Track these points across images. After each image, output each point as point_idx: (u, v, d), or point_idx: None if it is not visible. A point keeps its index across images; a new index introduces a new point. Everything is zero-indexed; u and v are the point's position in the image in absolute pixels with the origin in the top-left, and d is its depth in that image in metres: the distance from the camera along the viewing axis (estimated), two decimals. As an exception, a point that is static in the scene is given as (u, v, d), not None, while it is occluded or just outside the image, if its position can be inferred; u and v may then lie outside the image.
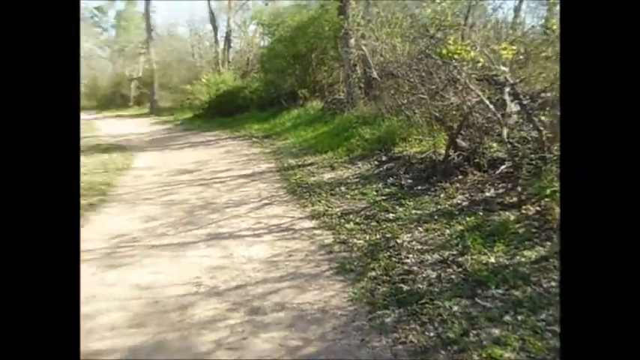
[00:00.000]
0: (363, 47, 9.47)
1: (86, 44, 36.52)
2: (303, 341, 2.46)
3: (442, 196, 4.43)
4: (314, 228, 4.23)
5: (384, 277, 3.08)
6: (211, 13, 25.32)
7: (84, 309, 2.89)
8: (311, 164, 7.10)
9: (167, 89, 28.19)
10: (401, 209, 4.32)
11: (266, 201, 5.29)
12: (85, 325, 2.75)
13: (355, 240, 3.81)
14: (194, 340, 2.55)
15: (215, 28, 25.56)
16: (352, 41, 10.39)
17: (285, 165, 7.34)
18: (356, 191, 5.24)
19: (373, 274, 3.16)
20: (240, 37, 28.06)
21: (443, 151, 5.21)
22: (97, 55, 38.11)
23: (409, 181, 5.12)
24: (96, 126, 18.31)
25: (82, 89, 36.40)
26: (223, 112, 16.03)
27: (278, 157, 8.23)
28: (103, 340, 2.59)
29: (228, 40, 24.81)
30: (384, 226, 4.01)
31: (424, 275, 3.06)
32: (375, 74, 9.17)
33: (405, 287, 2.92)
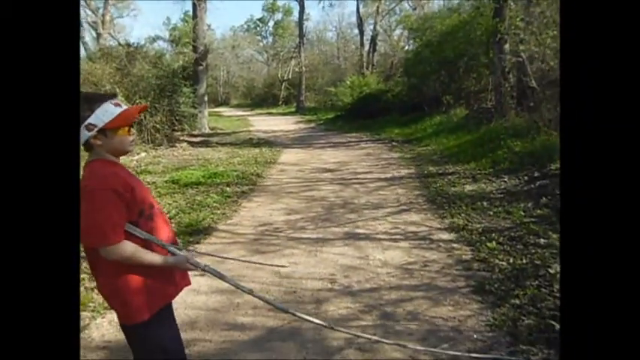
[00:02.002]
0: (522, 53, 8.69)
1: (247, 50, 41.39)
2: None
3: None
4: (452, 241, 4.03)
5: (531, 309, 2.77)
6: (359, 18, 26.06)
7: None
8: (452, 173, 6.80)
9: (312, 90, 29.98)
10: (555, 236, 3.84)
11: (404, 207, 5.22)
12: (233, 300, 3.07)
13: (497, 261, 3.52)
14: (326, 333, 2.63)
15: (361, 32, 26.22)
16: (507, 46, 9.67)
17: (425, 172, 7.16)
18: (500, 208, 4.84)
19: (517, 302, 2.87)
20: (385, 41, 28.34)
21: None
22: (255, 60, 42.77)
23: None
24: (250, 122, 20.40)
25: (242, 89, 40.94)
26: (364, 115, 16.33)
27: (418, 163, 8.07)
28: (245, 316, 2.85)
29: (373, 43, 25.25)
30: (533, 251, 3.63)
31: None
32: (533, 83, 8.38)
33: (559, 326, 2.59)
